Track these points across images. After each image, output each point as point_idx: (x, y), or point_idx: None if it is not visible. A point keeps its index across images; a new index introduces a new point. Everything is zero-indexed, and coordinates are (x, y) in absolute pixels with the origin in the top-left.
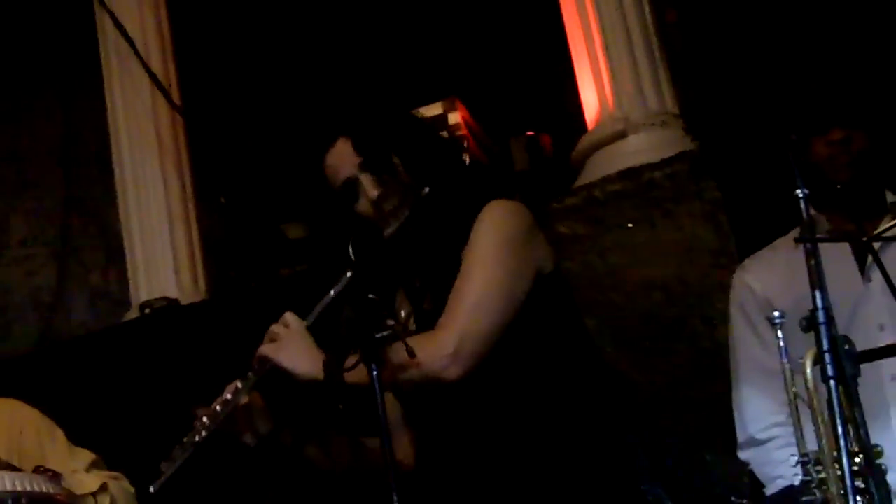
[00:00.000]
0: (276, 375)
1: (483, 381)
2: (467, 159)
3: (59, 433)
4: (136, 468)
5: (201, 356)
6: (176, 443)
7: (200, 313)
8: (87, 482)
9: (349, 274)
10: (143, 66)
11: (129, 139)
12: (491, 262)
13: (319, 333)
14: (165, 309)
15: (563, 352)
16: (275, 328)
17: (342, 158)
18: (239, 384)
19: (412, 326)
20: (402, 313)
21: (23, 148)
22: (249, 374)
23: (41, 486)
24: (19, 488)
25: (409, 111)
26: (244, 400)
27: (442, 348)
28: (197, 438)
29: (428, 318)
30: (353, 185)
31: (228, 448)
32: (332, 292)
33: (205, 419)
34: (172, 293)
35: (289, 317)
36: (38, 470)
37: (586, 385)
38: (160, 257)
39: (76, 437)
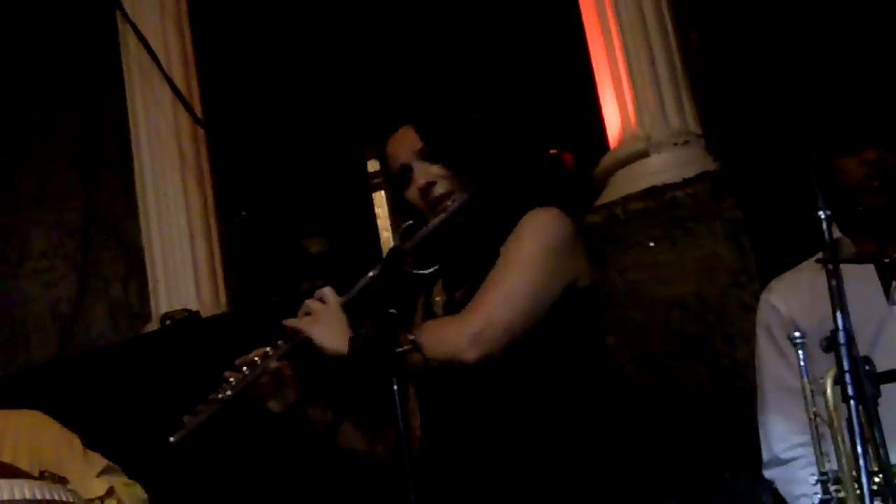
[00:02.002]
0: (307, 350)
1: (503, 385)
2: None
3: (77, 441)
4: (154, 479)
5: (221, 369)
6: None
7: (221, 326)
8: (93, 486)
9: (385, 258)
10: (165, 78)
11: (150, 152)
12: (527, 262)
13: (354, 313)
14: (186, 321)
15: (583, 364)
16: (311, 303)
17: (402, 145)
18: (269, 350)
19: (440, 312)
20: (438, 299)
21: (44, 160)
22: (280, 342)
23: (62, 495)
24: (38, 496)
25: (479, 112)
26: (273, 366)
27: (465, 329)
28: (222, 396)
29: (458, 308)
30: (407, 171)
31: (254, 412)
32: (370, 273)
33: (231, 379)
34: (193, 306)
35: (326, 291)
36: (43, 475)
37: (604, 399)
38: (181, 270)
39: (95, 449)
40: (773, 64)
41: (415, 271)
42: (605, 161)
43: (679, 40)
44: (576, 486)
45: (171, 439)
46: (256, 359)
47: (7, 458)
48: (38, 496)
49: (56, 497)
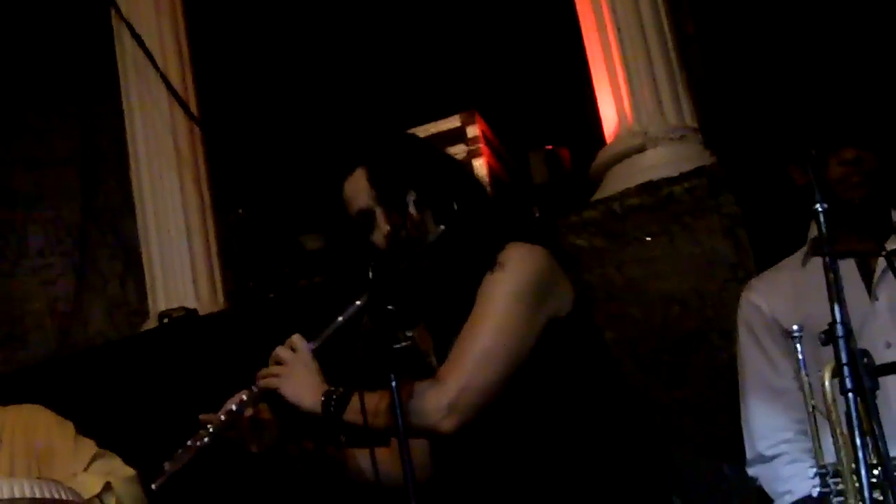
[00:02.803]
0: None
1: (504, 416)
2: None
3: (69, 427)
4: (153, 477)
5: (219, 366)
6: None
7: (219, 324)
8: (89, 484)
9: (358, 302)
10: (160, 77)
11: (146, 150)
12: (500, 313)
13: (327, 357)
14: (184, 319)
15: (585, 387)
16: (281, 352)
17: (358, 188)
18: (244, 396)
19: (434, 362)
20: (427, 348)
21: (41, 158)
22: (254, 387)
23: (61, 493)
24: (38, 495)
25: (430, 145)
26: (249, 412)
27: (439, 400)
28: (199, 443)
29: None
30: (368, 216)
31: (235, 454)
32: (340, 318)
33: (209, 426)
34: (190, 304)
35: (296, 340)
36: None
37: (609, 414)
38: (178, 268)
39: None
40: (769, 59)
41: (394, 346)
42: (602, 156)
43: (675, 35)
44: (578, 486)
45: (153, 487)
46: (233, 407)
47: (5, 453)
48: (38, 494)
49: (57, 496)
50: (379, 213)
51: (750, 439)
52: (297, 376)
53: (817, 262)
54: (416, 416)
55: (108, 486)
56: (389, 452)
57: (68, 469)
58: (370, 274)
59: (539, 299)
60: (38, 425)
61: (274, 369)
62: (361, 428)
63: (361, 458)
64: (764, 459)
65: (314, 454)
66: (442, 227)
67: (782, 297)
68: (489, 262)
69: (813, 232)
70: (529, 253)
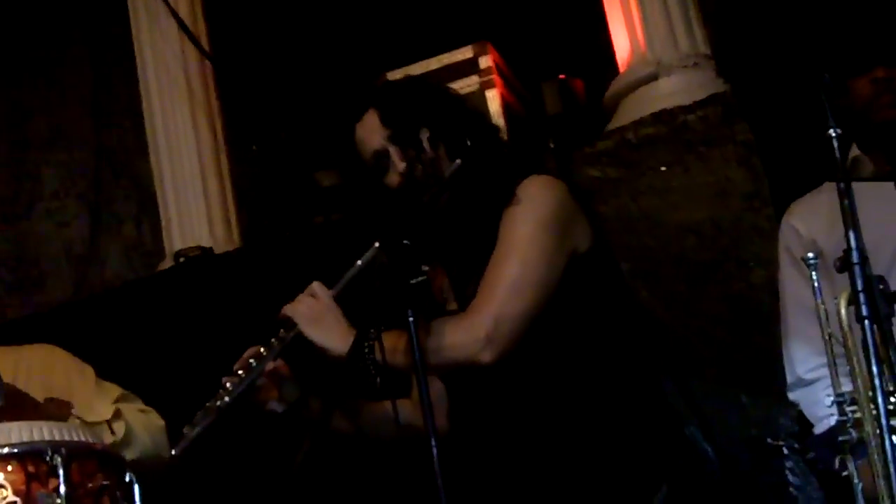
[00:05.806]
0: (302, 344)
1: (522, 354)
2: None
3: (89, 370)
4: (173, 416)
5: (236, 305)
6: (201, 405)
7: (235, 262)
8: (99, 409)
9: (377, 244)
10: (171, 13)
11: (158, 89)
12: (527, 243)
13: (346, 300)
14: (200, 258)
15: (604, 323)
16: (303, 299)
17: (370, 131)
18: (262, 350)
19: (452, 305)
20: (443, 288)
21: (53, 100)
22: (274, 340)
23: (80, 435)
24: (58, 437)
25: (435, 83)
26: (269, 367)
27: (476, 332)
28: (219, 404)
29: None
30: (382, 157)
31: (256, 415)
32: (358, 262)
33: (228, 385)
34: (206, 243)
35: (316, 287)
36: (47, 400)
37: (628, 353)
38: (193, 207)
39: None
40: None
41: (410, 281)
42: (615, 86)
43: None
44: (604, 427)
45: (173, 452)
46: (252, 361)
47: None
48: (58, 437)
49: (83, 439)
50: (393, 151)
51: (790, 364)
52: (324, 322)
53: (854, 185)
54: (453, 350)
55: (118, 413)
56: (409, 404)
57: (90, 402)
58: (385, 220)
59: (562, 229)
60: (55, 365)
61: (299, 317)
62: (394, 369)
63: (379, 410)
64: (804, 383)
65: (337, 407)
66: (458, 161)
67: (821, 219)
68: (508, 196)
69: (852, 152)
70: (550, 184)
